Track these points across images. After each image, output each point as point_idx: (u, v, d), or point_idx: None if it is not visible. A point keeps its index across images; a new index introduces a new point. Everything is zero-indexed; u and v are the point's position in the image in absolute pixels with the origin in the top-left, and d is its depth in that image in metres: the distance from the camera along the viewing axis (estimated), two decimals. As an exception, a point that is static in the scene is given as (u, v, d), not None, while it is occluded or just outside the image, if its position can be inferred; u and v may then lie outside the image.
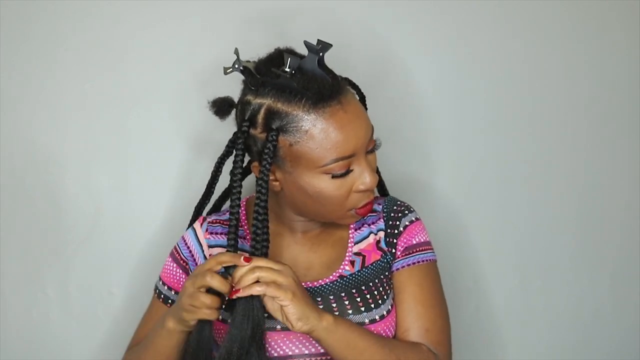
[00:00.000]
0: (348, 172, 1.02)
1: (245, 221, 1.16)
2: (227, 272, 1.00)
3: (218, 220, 1.17)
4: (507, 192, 1.48)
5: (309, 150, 1.00)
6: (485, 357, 1.52)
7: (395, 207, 1.16)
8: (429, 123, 1.43)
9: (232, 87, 1.11)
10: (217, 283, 0.96)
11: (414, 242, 1.13)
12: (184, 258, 1.16)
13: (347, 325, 1.01)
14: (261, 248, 1.01)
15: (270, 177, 1.05)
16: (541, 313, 1.53)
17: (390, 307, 1.09)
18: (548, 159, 1.48)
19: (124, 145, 1.36)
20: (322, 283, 1.10)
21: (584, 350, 1.55)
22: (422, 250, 1.13)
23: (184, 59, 1.34)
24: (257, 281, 0.97)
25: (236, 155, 1.04)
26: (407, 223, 1.14)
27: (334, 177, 1.01)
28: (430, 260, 1.13)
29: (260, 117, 1.02)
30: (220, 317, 1.08)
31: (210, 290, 0.98)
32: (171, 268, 1.17)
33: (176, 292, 1.15)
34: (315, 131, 0.99)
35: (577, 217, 1.51)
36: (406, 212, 1.15)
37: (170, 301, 1.16)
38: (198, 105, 1.24)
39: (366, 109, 1.10)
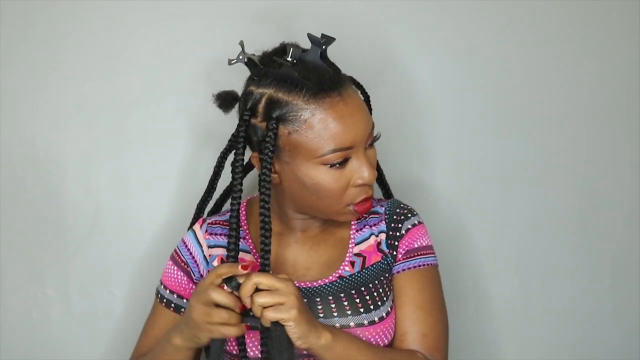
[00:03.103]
0: (345, 161, 1.02)
1: (245, 221, 1.15)
2: (232, 284, 0.97)
3: (217, 221, 1.17)
4: (507, 191, 1.48)
5: (307, 139, 1.00)
6: (485, 357, 1.52)
7: (398, 210, 1.15)
8: (429, 123, 1.43)
9: (237, 87, 1.11)
10: (222, 298, 0.94)
11: (416, 245, 1.13)
12: (184, 260, 1.15)
13: (345, 341, 1.01)
14: (265, 245, 1.01)
15: None
16: (541, 313, 1.53)
17: (389, 309, 1.09)
18: (548, 159, 1.47)
19: (124, 145, 1.35)
20: (322, 283, 1.09)
21: (584, 350, 1.55)
22: (423, 254, 1.13)
23: (185, 58, 1.34)
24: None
25: (237, 148, 1.04)
26: (409, 226, 1.14)
27: (331, 166, 1.01)
28: (431, 264, 1.13)
29: (261, 107, 1.03)
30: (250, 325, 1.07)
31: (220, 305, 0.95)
32: (172, 271, 1.16)
33: (179, 296, 1.15)
34: (314, 121, 1.00)
35: (577, 217, 1.51)
36: (409, 215, 1.15)
37: (173, 305, 1.15)
38: (200, 105, 1.24)
39: (370, 109, 1.10)
